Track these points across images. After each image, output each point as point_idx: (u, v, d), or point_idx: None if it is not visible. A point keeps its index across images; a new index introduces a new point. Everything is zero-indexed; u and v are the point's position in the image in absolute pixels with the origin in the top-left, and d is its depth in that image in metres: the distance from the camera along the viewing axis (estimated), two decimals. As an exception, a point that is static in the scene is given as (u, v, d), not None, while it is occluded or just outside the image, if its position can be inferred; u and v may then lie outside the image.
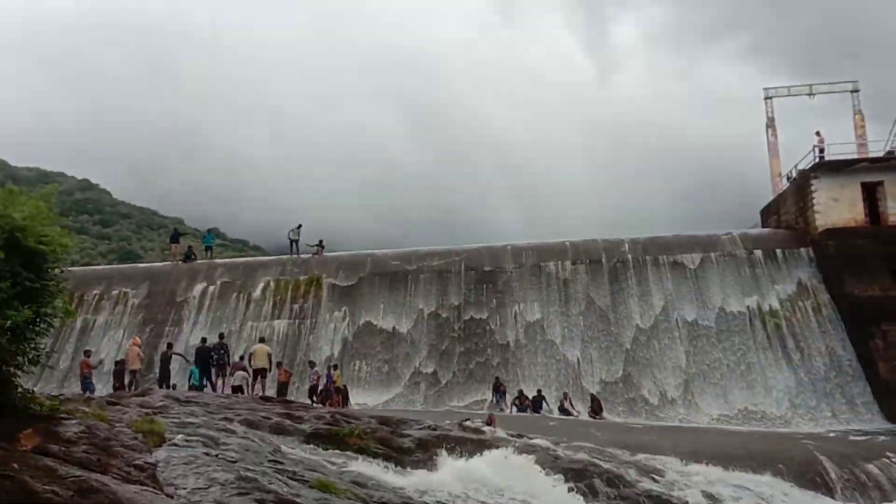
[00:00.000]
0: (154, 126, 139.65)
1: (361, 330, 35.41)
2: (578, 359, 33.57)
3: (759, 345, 33.07)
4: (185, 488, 10.52)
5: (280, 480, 11.49)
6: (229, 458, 11.94)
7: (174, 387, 25.96)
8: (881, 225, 34.78)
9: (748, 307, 34.07)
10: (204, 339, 28.53)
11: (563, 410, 29.89)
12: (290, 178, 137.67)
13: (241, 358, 29.53)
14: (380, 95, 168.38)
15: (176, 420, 14.15)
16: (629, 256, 36.38)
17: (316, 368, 30.23)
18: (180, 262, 40.61)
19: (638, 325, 34.17)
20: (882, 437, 25.17)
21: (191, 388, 25.64)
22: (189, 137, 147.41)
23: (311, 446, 15.10)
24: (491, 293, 35.89)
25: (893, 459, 21.54)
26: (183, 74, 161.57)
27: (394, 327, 35.32)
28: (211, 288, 37.53)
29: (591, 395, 31.25)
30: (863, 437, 25.06)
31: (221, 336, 29.61)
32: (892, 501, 19.62)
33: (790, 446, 22.49)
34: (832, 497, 19.66)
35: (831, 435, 25.70)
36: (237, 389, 24.84)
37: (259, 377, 26.38)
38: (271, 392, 26.84)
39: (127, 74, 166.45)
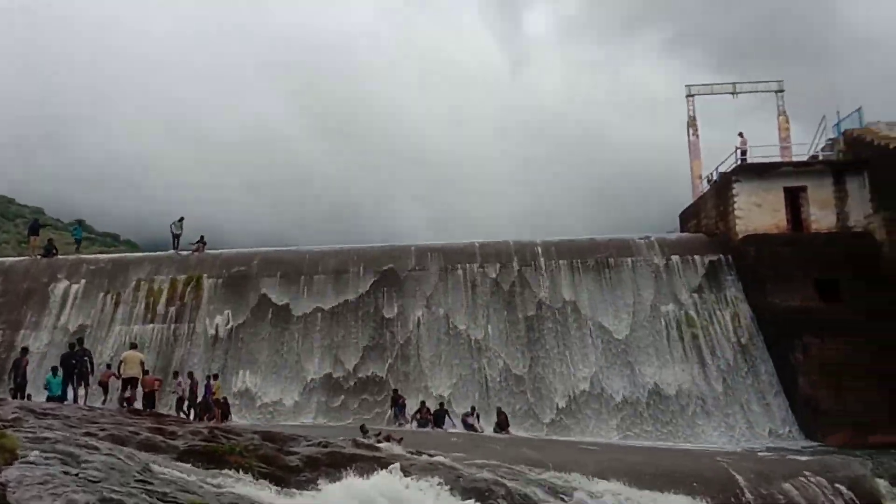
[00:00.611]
0: (16, 111, 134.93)
1: (246, 335, 34.99)
2: (485, 366, 33.93)
3: (675, 355, 33.95)
4: (39, 511, 10.28)
5: (149, 502, 11.32)
6: (91, 478, 11.69)
7: (30, 397, 25.19)
8: (804, 232, 35.96)
9: (664, 315, 34.96)
10: (72, 345, 27.76)
11: (467, 425, 30.16)
12: (171, 171, 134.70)
13: (109, 366, 28.88)
14: (279, 89, 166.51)
15: (31, 434, 13.77)
16: (542, 260, 36.89)
17: (180, 378, 29.84)
18: (40, 256, 39.42)
19: (549, 332, 34.70)
20: (799, 456, 26.11)
21: (49, 399, 24.99)
22: (58, 126, 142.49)
23: (186, 465, 14.88)
24: (393, 295, 35.94)
25: (811, 479, 22.40)
26: (59, 63, 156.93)
27: (283, 332, 35.02)
28: (75, 286, 36.56)
29: (498, 409, 31.61)
30: (780, 456, 25.93)
31: (81, 341, 28.83)
32: (807, 522, 20.43)
33: (703, 464, 23.14)
34: (746, 517, 20.35)
35: (749, 452, 26.55)
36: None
37: (130, 387, 25.87)
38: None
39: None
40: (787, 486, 21.87)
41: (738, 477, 21.99)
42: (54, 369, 26.47)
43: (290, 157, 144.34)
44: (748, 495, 21.27)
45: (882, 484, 22.90)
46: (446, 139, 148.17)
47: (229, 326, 35.29)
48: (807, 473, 22.67)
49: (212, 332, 35.18)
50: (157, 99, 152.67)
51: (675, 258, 36.85)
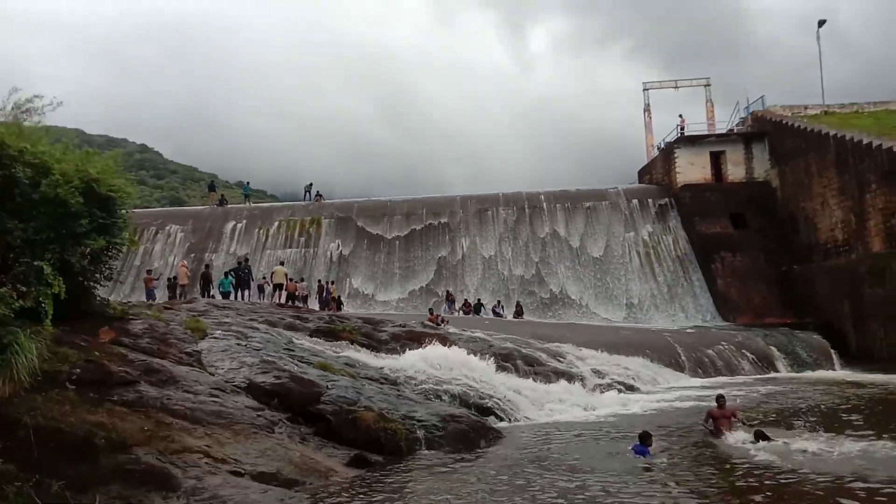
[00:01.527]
0: (185, 105, 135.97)
1: (351, 256, 35.28)
2: (506, 275, 33.96)
3: (634, 268, 33.68)
4: (223, 368, 10.59)
5: (292, 362, 11.59)
6: (255, 347, 11.99)
7: (213, 297, 25.78)
8: (723, 182, 35.25)
9: (626, 241, 34.57)
10: (239, 263, 28.13)
11: (495, 313, 30.30)
12: (289, 147, 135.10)
13: (264, 277, 29.24)
14: (354, 86, 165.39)
15: (215, 320, 14.12)
16: (544, 204, 36.53)
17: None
18: (216, 206, 39.93)
19: (549, 254, 34.54)
20: (718, 331, 25.97)
21: (222, 294, 25.48)
22: (211, 111, 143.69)
23: (315, 339, 15.19)
24: (446, 228, 35.90)
25: (726, 346, 22.32)
26: (204, 63, 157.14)
27: (374, 255, 35.25)
28: (239, 225, 36.98)
29: (517, 302, 31.67)
30: (705, 332, 25.81)
31: (246, 260, 29.28)
32: (723, 375, 20.40)
33: (654, 337, 23.14)
34: (682, 372, 20.38)
35: (684, 330, 26.43)
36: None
37: (278, 290, 26.32)
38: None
39: (164, 64, 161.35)
40: (709, 351, 21.87)
41: (676, 346, 21.99)
42: (226, 274, 26.94)
43: (365, 134, 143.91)
44: (683, 357, 21.28)
45: (774, 351, 22.74)
46: (473, 122, 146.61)
47: (339, 250, 35.55)
48: (723, 343, 22.64)
49: (329, 253, 35.49)
50: (270, 91, 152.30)
51: (634, 201, 36.24)
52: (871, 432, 10.32)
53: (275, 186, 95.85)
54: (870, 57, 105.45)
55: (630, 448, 9.30)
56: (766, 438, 9.70)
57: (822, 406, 13.66)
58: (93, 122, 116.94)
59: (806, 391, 16.06)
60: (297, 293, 27.35)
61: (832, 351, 23.24)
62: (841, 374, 20.80)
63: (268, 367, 10.77)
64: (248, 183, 46.75)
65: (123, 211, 10.18)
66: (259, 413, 9.22)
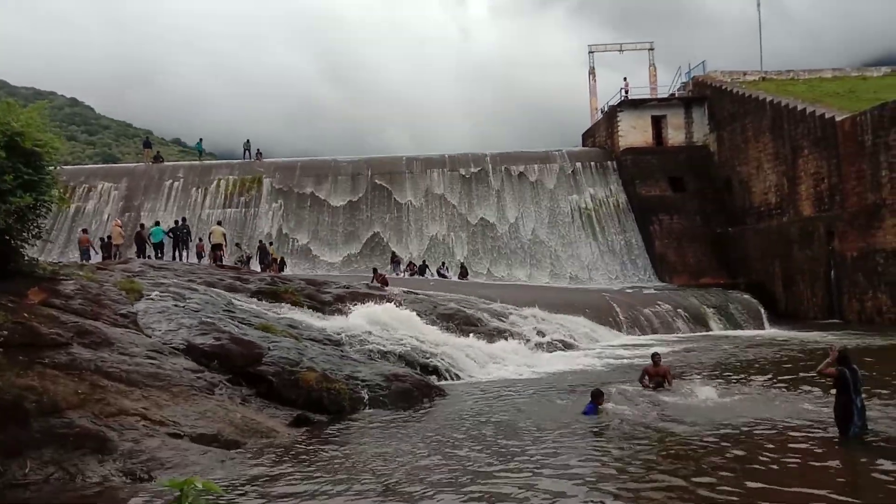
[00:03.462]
0: (118, 59, 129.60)
1: (293, 217, 34.77)
2: (452, 237, 34.13)
3: (577, 230, 34.29)
4: (160, 330, 10.39)
5: (232, 324, 11.45)
6: (193, 309, 11.78)
7: (149, 257, 25.09)
8: (664, 146, 35.98)
9: (570, 204, 35.09)
10: (177, 222, 27.38)
11: (440, 275, 30.49)
12: (231, 103, 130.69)
13: (200, 239, 28.54)
14: (296, 43, 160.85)
15: (151, 281, 13.78)
16: (489, 166, 36.61)
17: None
18: (151, 163, 38.56)
19: (493, 214, 34.80)
20: (653, 291, 26.83)
21: (153, 245, 24.97)
22: (149, 66, 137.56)
23: (256, 300, 15.02)
24: (392, 190, 35.65)
25: (662, 306, 23.10)
26: (137, 16, 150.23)
27: (318, 216, 34.83)
28: (176, 183, 35.87)
29: (462, 264, 31.94)
30: (642, 292, 26.62)
31: (184, 219, 28.51)
32: (658, 333, 21.16)
33: (594, 297, 23.77)
34: (620, 331, 21.03)
35: (623, 290, 27.19)
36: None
37: (216, 251, 25.74)
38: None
39: (94, 15, 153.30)
40: (646, 310, 22.59)
41: (614, 305, 22.64)
42: (157, 223, 26.18)
43: (308, 95, 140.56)
44: (621, 317, 21.94)
45: (708, 310, 23.63)
46: (418, 87, 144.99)
47: (282, 210, 34.95)
48: (659, 302, 23.41)
49: (271, 214, 34.87)
50: (206, 46, 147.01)
51: (577, 164, 36.69)
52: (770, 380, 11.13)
53: (213, 145, 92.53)
54: (809, 27, 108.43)
55: (582, 410, 9.46)
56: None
57: (743, 361, 14.39)
58: (18, 74, 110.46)
59: (734, 349, 16.84)
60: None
61: (762, 310, 24.34)
62: (770, 332, 21.88)
63: (207, 329, 10.62)
64: (200, 140, 44.25)
65: (51, 167, 9.77)
66: (198, 375, 9.13)
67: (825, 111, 25.48)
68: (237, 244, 30.51)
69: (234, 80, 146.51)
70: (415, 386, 11.01)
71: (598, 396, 9.45)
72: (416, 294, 19.12)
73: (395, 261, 31.69)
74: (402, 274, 30.55)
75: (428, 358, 13.25)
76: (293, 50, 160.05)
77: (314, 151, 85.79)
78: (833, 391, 7.86)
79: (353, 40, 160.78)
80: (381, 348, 12.98)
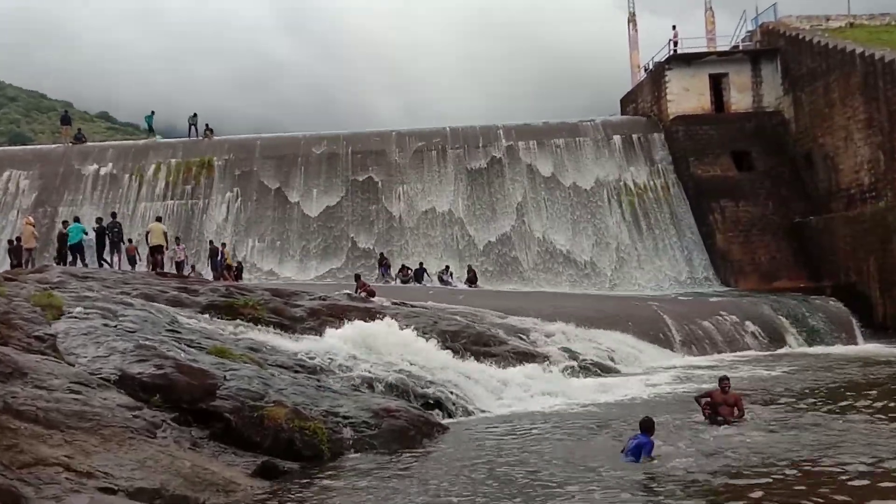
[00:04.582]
0: (22, 13, 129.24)
1: (253, 210, 34.82)
2: (455, 233, 34.17)
3: (616, 219, 34.33)
4: (85, 356, 10.37)
5: (178, 348, 11.44)
6: (128, 329, 11.77)
7: (72, 263, 25.09)
8: (725, 112, 36.00)
9: (605, 188, 35.12)
10: (99, 220, 27.39)
11: (442, 281, 30.51)
12: (166, 66, 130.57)
13: (131, 241, 28.39)
14: None
15: (74, 294, 13.79)
16: (503, 141, 36.64)
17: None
18: (71, 143, 38.60)
19: (508, 204, 34.84)
20: (715, 298, 26.80)
21: (70, 249, 24.92)
22: (58, 24, 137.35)
23: (208, 317, 15.01)
24: (378, 174, 35.69)
25: (726, 317, 23.11)
26: None
27: (285, 208, 34.87)
28: (103, 169, 35.92)
29: (469, 266, 31.96)
30: (700, 299, 26.60)
31: (114, 215, 28.53)
32: (722, 352, 21.13)
33: (638, 307, 23.75)
34: (672, 349, 21.02)
35: (675, 297, 27.17)
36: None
37: (155, 254, 25.73)
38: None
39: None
40: (705, 323, 22.59)
41: (664, 317, 22.63)
42: (76, 219, 26.15)
43: (264, 51, 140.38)
44: (674, 332, 21.94)
45: (784, 322, 23.63)
46: (405, 40, 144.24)
47: (238, 201, 35.01)
48: (722, 313, 23.40)
49: (224, 206, 34.93)
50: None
51: (616, 137, 36.75)
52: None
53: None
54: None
55: (624, 447, 9.28)
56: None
57: (835, 386, 14.35)
58: None
59: (820, 371, 16.80)
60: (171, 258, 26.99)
61: (854, 320, 24.32)
62: (864, 348, 21.83)
63: (146, 355, 10.61)
64: (152, 113, 42.94)
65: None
66: (135, 413, 9.12)
67: (931, 65, 25.51)
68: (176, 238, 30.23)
69: (168, 36, 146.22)
70: (411, 423, 10.99)
71: (648, 427, 9.23)
72: (412, 307, 19.10)
73: (385, 264, 31.72)
74: (394, 281, 30.57)
75: (427, 388, 13.23)
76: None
77: (275, 122, 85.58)
78: None
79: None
80: (369, 376, 12.97)
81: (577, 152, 36.19)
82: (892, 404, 12.46)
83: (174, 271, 25.52)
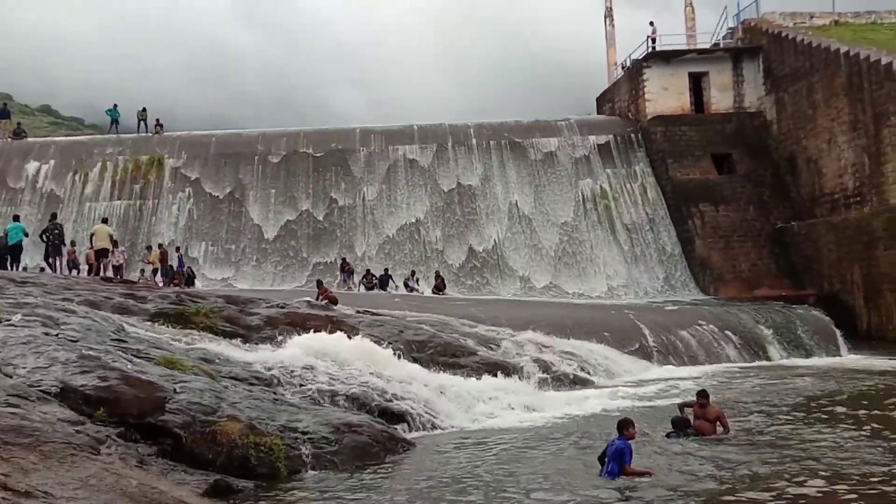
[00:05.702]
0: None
1: (206, 212, 34.56)
2: (423, 236, 34.17)
3: (590, 224, 34.56)
4: (24, 367, 10.22)
5: (124, 358, 11.31)
6: (70, 338, 11.63)
7: (12, 268, 24.68)
8: (705, 113, 36.41)
9: (580, 191, 35.35)
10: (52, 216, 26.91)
11: (408, 288, 30.51)
12: (113, 56, 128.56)
13: (73, 243, 28.00)
14: None
15: (11, 300, 13.59)
16: (473, 140, 36.74)
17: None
18: (10, 139, 38.06)
19: (480, 207, 34.94)
20: (695, 307, 27.04)
21: (10, 248, 24.47)
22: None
23: (157, 325, 14.86)
24: (339, 174, 35.62)
25: (705, 327, 23.33)
26: None
27: (243, 208, 34.66)
28: (45, 167, 35.46)
29: (436, 273, 32.01)
30: (678, 307, 26.82)
31: (54, 216, 28.10)
32: (701, 364, 21.32)
33: (614, 316, 23.91)
34: (650, 360, 21.18)
35: (652, 305, 27.39)
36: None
37: (101, 258, 25.43)
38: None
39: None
40: (684, 333, 22.78)
41: (641, 326, 22.80)
42: (15, 217, 25.74)
43: (219, 40, 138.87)
44: (651, 342, 22.10)
45: (766, 332, 23.89)
46: (371, 31, 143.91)
47: (190, 202, 34.74)
48: (702, 322, 23.62)
49: (176, 206, 34.63)
50: None
51: (591, 138, 37.00)
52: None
53: (93, 112, 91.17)
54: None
55: (603, 453, 9.26)
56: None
57: (817, 401, 14.55)
58: None
59: (802, 384, 17.02)
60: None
61: (837, 331, 24.67)
62: (849, 359, 22.15)
63: (90, 366, 10.48)
64: (115, 106, 41.30)
65: None
66: (78, 428, 9.00)
67: (917, 66, 26.00)
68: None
69: (115, 24, 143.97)
70: (374, 439, 10.97)
71: (626, 425, 9.17)
72: (377, 315, 19.07)
73: (347, 270, 31.64)
74: (357, 287, 30.50)
75: (392, 401, 13.21)
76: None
77: (230, 118, 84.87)
78: None
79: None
80: (329, 388, 12.91)
81: (552, 152, 36.36)
82: (876, 419, 12.67)
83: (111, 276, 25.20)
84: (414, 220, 34.61)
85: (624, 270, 33.43)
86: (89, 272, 24.44)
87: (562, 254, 33.91)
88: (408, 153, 36.29)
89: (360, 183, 35.43)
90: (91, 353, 11.03)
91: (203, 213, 34.57)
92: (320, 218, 34.59)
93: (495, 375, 16.27)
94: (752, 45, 36.20)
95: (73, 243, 27.86)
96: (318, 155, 36.10)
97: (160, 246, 30.24)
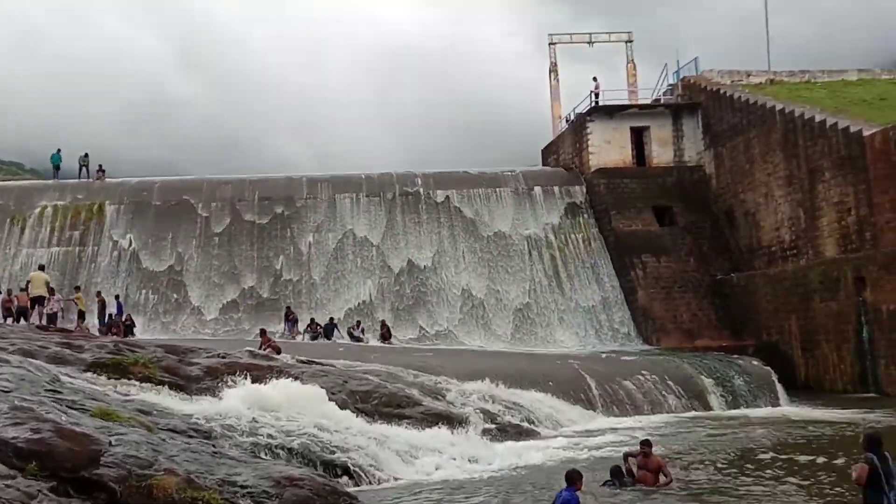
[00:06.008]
0: None
1: (148, 258, 34.01)
2: (370, 290, 34.04)
3: (535, 274, 34.77)
4: (-49, 420, 9.87)
5: (59, 410, 11.01)
6: (2, 388, 11.30)
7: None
8: (646, 166, 37.12)
9: (527, 239, 35.62)
10: None
11: (353, 337, 30.27)
12: (51, 101, 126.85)
13: (10, 291, 27.36)
14: (135, 13, 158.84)
15: (-59, 350, 13.16)
16: (421, 189, 36.90)
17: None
18: (-54, 183, 37.17)
19: (426, 256, 34.96)
20: (637, 357, 27.25)
21: None
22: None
23: (93, 375, 14.51)
24: (284, 223, 35.41)
25: (648, 377, 23.54)
26: None
27: (183, 256, 34.20)
28: (-20, 212, 34.68)
29: (382, 322, 31.84)
30: (621, 358, 27.02)
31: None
32: (644, 414, 21.49)
33: (559, 366, 24.01)
34: (594, 410, 21.28)
35: (596, 355, 27.53)
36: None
37: (37, 305, 24.88)
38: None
39: None
40: (626, 382, 22.98)
41: (585, 376, 22.92)
42: None
43: (161, 88, 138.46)
44: (595, 392, 22.22)
45: (706, 382, 24.18)
46: (313, 81, 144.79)
47: (132, 247, 34.19)
48: (644, 372, 23.83)
49: (116, 253, 34.04)
50: (12, 19, 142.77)
51: (537, 189, 37.40)
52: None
53: (31, 157, 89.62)
54: (825, 16, 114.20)
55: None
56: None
57: (759, 451, 14.74)
58: None
59: (742, 434, 17.25)
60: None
61: (776, 381, 25.05)
62: (786, 410, 22.47)
63: (21, 417, 10.18)
64: (58, 151, 40.69)
65: None
66: (8, 482, 8.71)
67: (850, 123, 26.86)
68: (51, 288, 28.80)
69: (53, 66, 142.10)
70: (316, 493, 10.77)
71: (574, 480, 9.13)
72: (321, 365, 18.87)
73: (291, 318, 31.30)
74: (301, 336, 30.17)
75: (335, 453, 13.05)
76: (130, 25, 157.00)
77: (169, 164, 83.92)
78: (859, 486, 8.05)
79: (214, 13, 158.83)
80: (270, 441, 12.73)
81: (497, 203, 36.65)
82: (813, 468, 12.86)
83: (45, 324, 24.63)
84: (355, 268, 34.48)
85: (567, 319, 33.61)
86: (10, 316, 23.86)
87: (511, 302, 34.03)
88: (355, 202, 36.11)
89: (307, 229, 35.23)
90: (24, 404, 10.72)
91: (144, 259, 33.97)
92: (265, 295, 34.06)
93: (441, 426, 16.19)
94: (691, 101, 37.14)
95: (9, 291, 27.23)
96: (264, 202, 35.85)
97: (98, 294, 29.63)
